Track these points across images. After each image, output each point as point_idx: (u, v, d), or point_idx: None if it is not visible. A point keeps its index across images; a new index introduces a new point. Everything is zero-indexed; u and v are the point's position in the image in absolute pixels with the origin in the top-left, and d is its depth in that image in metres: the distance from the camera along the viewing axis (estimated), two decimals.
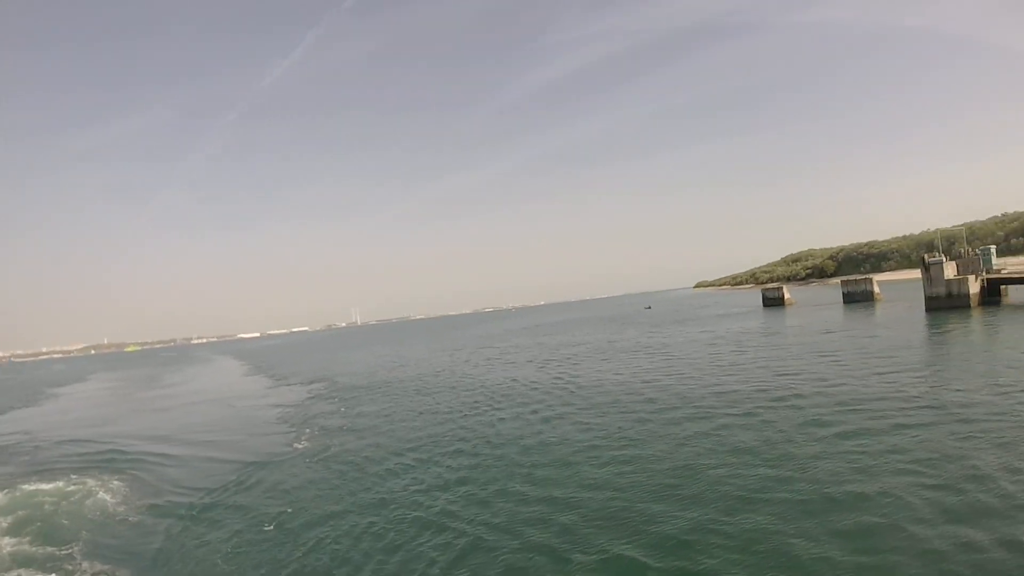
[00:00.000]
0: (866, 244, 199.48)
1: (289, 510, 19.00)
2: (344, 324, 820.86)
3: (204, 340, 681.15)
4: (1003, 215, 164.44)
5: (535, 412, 30.66)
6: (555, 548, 14.00)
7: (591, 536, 14.46)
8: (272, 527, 17.73)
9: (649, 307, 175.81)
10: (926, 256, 63.59)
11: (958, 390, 25.34)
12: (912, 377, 29.16)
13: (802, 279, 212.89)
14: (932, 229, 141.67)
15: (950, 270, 61.58)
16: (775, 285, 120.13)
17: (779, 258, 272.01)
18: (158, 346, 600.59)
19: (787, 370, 35.20)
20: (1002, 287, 63.08)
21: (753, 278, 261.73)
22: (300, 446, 28.53)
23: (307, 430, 32.24)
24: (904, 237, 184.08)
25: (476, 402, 35.92)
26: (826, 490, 15.67)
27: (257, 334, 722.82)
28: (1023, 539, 11.97)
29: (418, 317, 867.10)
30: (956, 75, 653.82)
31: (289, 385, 59.24)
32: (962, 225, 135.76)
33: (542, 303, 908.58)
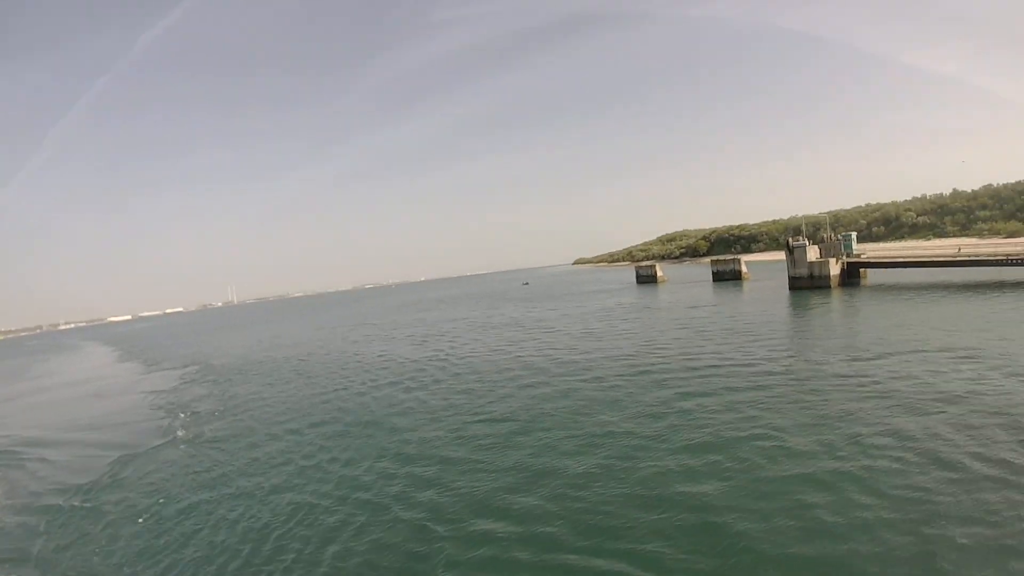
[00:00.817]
0: (738, 227, 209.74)
1: (162, 500, 19.06)
2: (220, 303, 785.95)
3: (72, 325, 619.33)
4: (866, 205, 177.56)
5: (409, 387, 31.48)
6: (420, 519, 14.80)
7: (456, 498, 15.73)
8: (144, 518, 17.66)
9: (527, 283, 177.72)
10: (790, 240, 67.84)
11: (805, 359, 27.82)
12: (765, 347, 31.45)
13: (676, 258, 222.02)
14: (800, 215, 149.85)
15: (813, 253, 65.70)
16: (648, 263, 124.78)
17: (656, 237, 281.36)
18: (23, 334, 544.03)
19: (651, 342, 37.13)
20: (861, 270, 67.77)
21: (630, 256, 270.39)
22: (173, 433, 28.03)
23: (181, 415, 31.85)
24: (774, 221, 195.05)
25: (352, 380, 36.13)
26: (661, 444, 17.76)
27: (129, 317, 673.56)
28: (840, 474, 13.79)
29: (297, 295, 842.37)
30: (826, 77, 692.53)
31: (162, 370, 56.98)
32: (828, 212, 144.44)
33: (423, 279, 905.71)
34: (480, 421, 22.76)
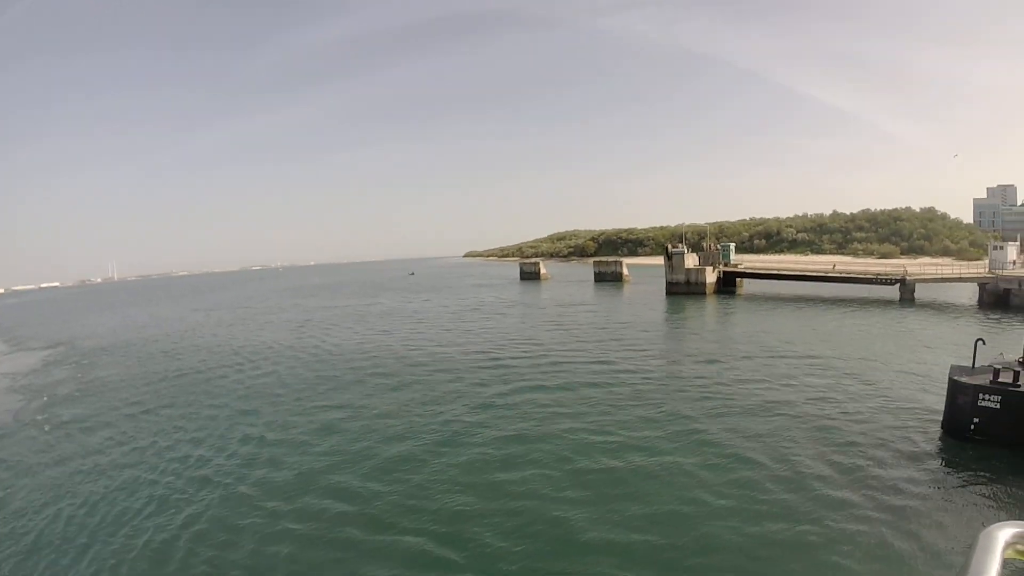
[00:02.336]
0: (626, 230, 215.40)
1: (11, 485, 18.20)
2: (100, 280, 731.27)
3: None
4: (750, 219, 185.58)
5: (274, 373, 31.57)
6: (259, 495, 15.50)
7: (299, 477, 16.57)
8: None
9: (412, 273, 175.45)
10: (669, 246, 68.96)
11: (661, 359, 29.07)
12: (626, 347, 32.42)
13: (564, 256, 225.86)
14: (687, 223, 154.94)
15: (691, 260, 67.84)
16: (533, 260, 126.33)
17: (546, 235, 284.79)
18: None
19: (517, 337, 37.78)
20: (738, 279, 70.03)
21: (520, 252, 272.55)
22: (28, 417, 26.81)
23: (42, 398, 30.49)
24: (660, 228, 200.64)
25: (220, 364, 35.57)
26: (488, 431, 18.96)
27: (1, 290, 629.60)
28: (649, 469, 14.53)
29: (181, 273, 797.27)
30: (735, 102, 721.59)
31: (27, 350, 52.95)
32: (713, 223, 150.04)
33: (312, 263, 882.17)
34: (333, 407, 23.31)
